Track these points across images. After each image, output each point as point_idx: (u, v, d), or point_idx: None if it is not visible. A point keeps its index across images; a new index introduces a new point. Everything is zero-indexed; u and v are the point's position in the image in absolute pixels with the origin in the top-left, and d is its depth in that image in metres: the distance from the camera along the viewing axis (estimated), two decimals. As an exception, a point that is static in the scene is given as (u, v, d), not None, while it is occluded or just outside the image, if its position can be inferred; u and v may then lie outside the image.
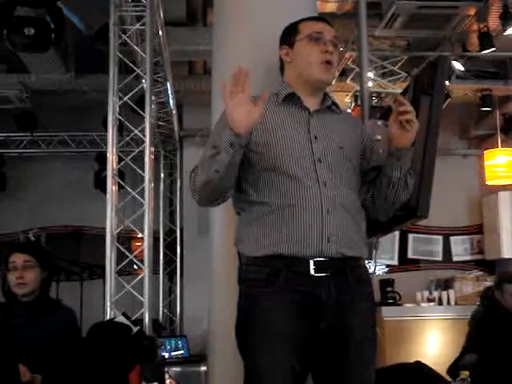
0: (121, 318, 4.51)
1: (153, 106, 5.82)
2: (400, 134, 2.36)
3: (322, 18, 2.60)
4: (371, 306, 2.42)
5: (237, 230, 2.47)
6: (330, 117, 2.51)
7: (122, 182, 5.60)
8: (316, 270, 2.27)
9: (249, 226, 2.37)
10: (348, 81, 7.51)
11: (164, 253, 9.00)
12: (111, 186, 5.28)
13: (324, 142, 2.39)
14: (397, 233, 8.89)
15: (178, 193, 9.13)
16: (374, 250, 3.34)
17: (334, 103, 2.56)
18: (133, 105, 5.61)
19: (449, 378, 4.92)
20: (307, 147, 2.37)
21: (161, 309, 8.74)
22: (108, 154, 5.36)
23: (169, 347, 7.45)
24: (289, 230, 2.28)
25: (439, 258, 9.30)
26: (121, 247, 5.26)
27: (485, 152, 8.57)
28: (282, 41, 2.58)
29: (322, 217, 2.28)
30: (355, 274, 2.35)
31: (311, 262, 2.27)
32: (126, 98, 5.48)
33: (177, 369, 6.80)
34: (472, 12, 6.49)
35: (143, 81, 5.56)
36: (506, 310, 4.96)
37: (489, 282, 6.99)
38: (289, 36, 2.54)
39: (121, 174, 5.71)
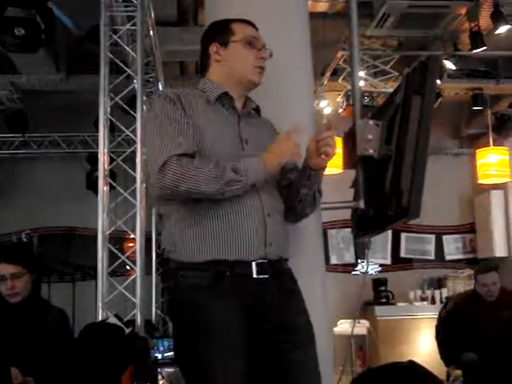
0: (113, 319, 4.50)
1: (144, 107, 5.81)
2: (317, 159, 2.40)
3: (250, 21, 2.56)
4: (304, 303, 2.44)
5: (166, 235, 2.39)
6: (254, 120, 2.52)
7: (113, 183, 5.59)
8: (257, 273, 2.27)
9: (185, 229, 2.30)
10: (340, 80, 7.53)
11: (156, 253, 8.97)
12: (103, 187, 5.27)
13: (254, 146, 2.39)
14: (389, 232, 8.92)
15: (171, 193, 9.10)
16: (367, 250, 3.34)
17: (257, 107, 2.56)
18: (124, 105, 5.60)
19: (442, 377, 4.95)
20: (240, 152, 2.35)
21: (153, 310, 8.73)
22: (99, 155, 5.35)
23: (161, 348, 7.41)
24: (233, 234, 2.26)
25: (432, 256, 9.32)
26: (113, 248, 5.25)
27: (477, 151, 8.59)
28: (209, 37, 2.53)
29: (264, 221, 2.30)
30: (288, 274, 2.42)
31: (253, 264, 2.27)
32: (117, 99, 5.48)
33: (170, 370, 6.77)
34: (463, 11, 6.51)
35: (134, 81, 5.55)
36: (484, 300, 5.23)
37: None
38: (220, 34, 2.50)
39: (112, 174, 5.70)
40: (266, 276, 2.29)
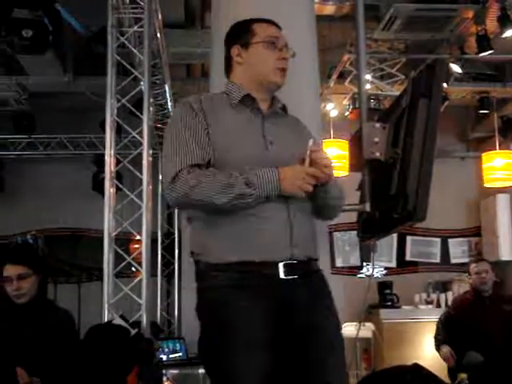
0: (119, 321, 4.51)
1: (151, 109, 5.82)
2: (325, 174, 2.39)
3: (273, 21, 2.56)
4: (334, 305, 2.45)
5: (194, 238, 2.42)
6: (280, 120, 2.51)
7: (119, 185, 5.59)
8: (285, 273, 2.28)
9: (212, 232, 2.33)
10: (346, 83, 7.52)
11: (162, 255, 8.99)
12: (109, 189, 5.27)
13: (279, 148, 2.39)
14: (395, 235, 8.91)
15: (176, 195, 9.11)
16: (372, 253, 3.34)
17: (283, 106, 2.57)
18: (131, 107, 5.60)
19: (448, 380, 4.94)
20: (264, 154, 2.36)
21: (159, 311, 8.74)
22: (106, 157, 5.36)
23: (167, 349, 7.43)
24: (259, 235, 2.28)
25: (437, 260, 9.31)
26: (119, 249, 5.26)
27: (483, 154, 8.57)
28: (231, 39, 2.54)
29: (290, 221, 2.31)
30: (318, 274, 2.43)
31: (280, 265, 2.28)
32: (123, 100, 5.48)
33: (175, 371, 6.79)
34: (470, 15, 6.50)
35: (141, 83, 5.55)
36: (482, 297, 5.51)
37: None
38: (242, 36, 2.50)
39: (119, 176, 5.70)
40: (295, 276, 2.29)
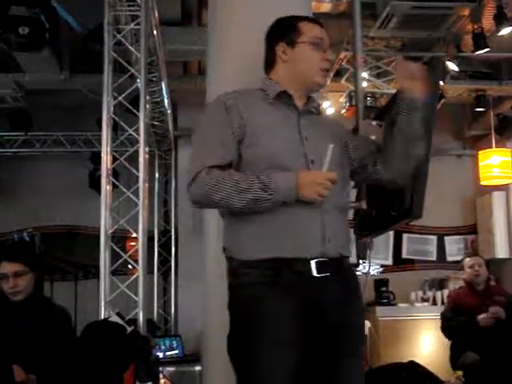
0: (115, 318, 4.51)
1: (147, 106, 5.82)
2: (411, 86, 2.41)
3: (318, 20, 2.57)
4: (362, 304, 2.49)
5: (226, 234, 2.44)
6: (315, 118, 2.52)
7: (116, 182, 5.60)
8: (318, 271, 2.28)
9: (243, 228, 2.35)
10: (343, 81, 7.52)
11: (158, 253, 8.99)
12: (105, 186, 5.28)
13: (315, 143, 2.39)
14: (391, 233, 8.91)
15: (173, 192, 9.13)
16: (369, 250, 3.35)
17: (318, 105, 2.58)
18: (127, 104, 5.60)
19: (442, 377, 4.96)
20: (300, 148, 2.36)
21: (155, 308, 8.73)
22: (102, 154, 5.36)
23: (163, 347, 7.44)
24: (290, 232, 2.28)
25: (433, 258, 9.32)
26: (115, 247, 5.26)
27: (479, 152, 8.59)
28: (276, 36, 2.52)
29: (321, 218, 2.31)
30: (349, 272, 2.42)
31: (312, 262, 2.28)
32: (120, 98, 5.48)
33: (171, 368, 6.80)
34: (466, 13, 6.51)
35: (138, 80, 5.56)
36: (472, 286, 5.75)
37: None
38: (287, 34, 2.49)
39: (115, 173, 5.70)
40: (327, 274, 2.29)
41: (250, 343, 2.27)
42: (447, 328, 5.69)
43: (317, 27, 2.52)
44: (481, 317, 5.38)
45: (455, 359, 5.60)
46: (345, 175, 2.48)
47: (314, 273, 2.28)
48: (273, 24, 2.57)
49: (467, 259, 5.92)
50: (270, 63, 2.55)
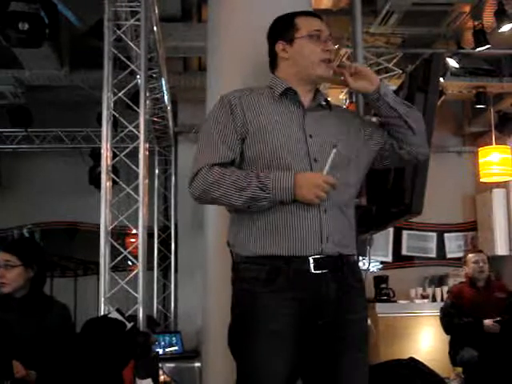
0: (115, 314, 4.50)
1: (147, 102, 5.80)
2: (363, 83, 2.47)
3: (315, 13, 2.58)
4: (364, 301, 2.48)
5: (230, 229, 2.48)
6: (323, 114, 2.51)
7: (116, 178, 5.59)
8: (316, 268, 2.29)
9: (244, 225, 2.38)
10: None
11: (158, 249, 8.99)
12: (105, 182, 5.27)
13: (319, 141, 2.39)
14: (391, 230, 8.92)
15: (173, 189, 9.12)
16: (368, 247, 3.35)
17: (326, 100, 2.57)
18: (127, 100, 5.59)
19: (443, 374, 4.96)
20: (303, 147, 2.37)
21: (155, 305, 8.73)
22: (102, 150, 5.35)
23: (163, 343, 7.45)
24: (288, 230, 2.30)
25: (433, 254, 9.32)
26: (115, 243, 5.26)
27: (479, 149, 8.58)
28: (276, 35, 2.54)
29: (320, 216, 2.32)
30: (351, 270, 2.41)
31: (311, 259, 2.29)
32: (120, 94, 5.47)
33: (171, 365, 6.80)
34: (467, 9, 6.51)
35: (138, 76, 5.54)
36: (474, 282, 5.87)
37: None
38: (285, 31, 2.50)
39: (115, 170, 5.70)
40: (325, 271, 2.31)
41: (248, 335, 2.31)
42: (448, 324, 5.71)
43: (314, 20, 2.53)
44: (488, 323, 5.41)
45: (454, 355, 5.63)
46: (351, 170, 2.46)
47: (312, 269, 2.29)
48: (271, 24, 2.59)
49: (471, 255, 6.01)
50: (273, 62, 2.57)
